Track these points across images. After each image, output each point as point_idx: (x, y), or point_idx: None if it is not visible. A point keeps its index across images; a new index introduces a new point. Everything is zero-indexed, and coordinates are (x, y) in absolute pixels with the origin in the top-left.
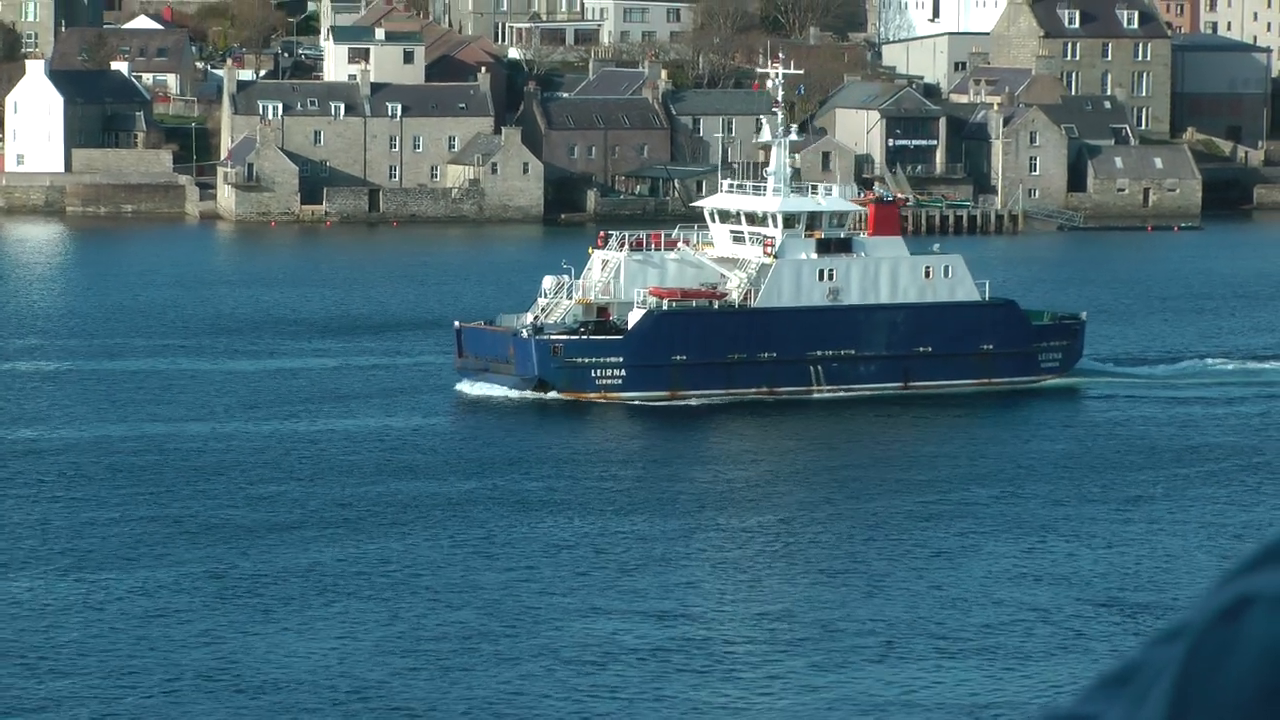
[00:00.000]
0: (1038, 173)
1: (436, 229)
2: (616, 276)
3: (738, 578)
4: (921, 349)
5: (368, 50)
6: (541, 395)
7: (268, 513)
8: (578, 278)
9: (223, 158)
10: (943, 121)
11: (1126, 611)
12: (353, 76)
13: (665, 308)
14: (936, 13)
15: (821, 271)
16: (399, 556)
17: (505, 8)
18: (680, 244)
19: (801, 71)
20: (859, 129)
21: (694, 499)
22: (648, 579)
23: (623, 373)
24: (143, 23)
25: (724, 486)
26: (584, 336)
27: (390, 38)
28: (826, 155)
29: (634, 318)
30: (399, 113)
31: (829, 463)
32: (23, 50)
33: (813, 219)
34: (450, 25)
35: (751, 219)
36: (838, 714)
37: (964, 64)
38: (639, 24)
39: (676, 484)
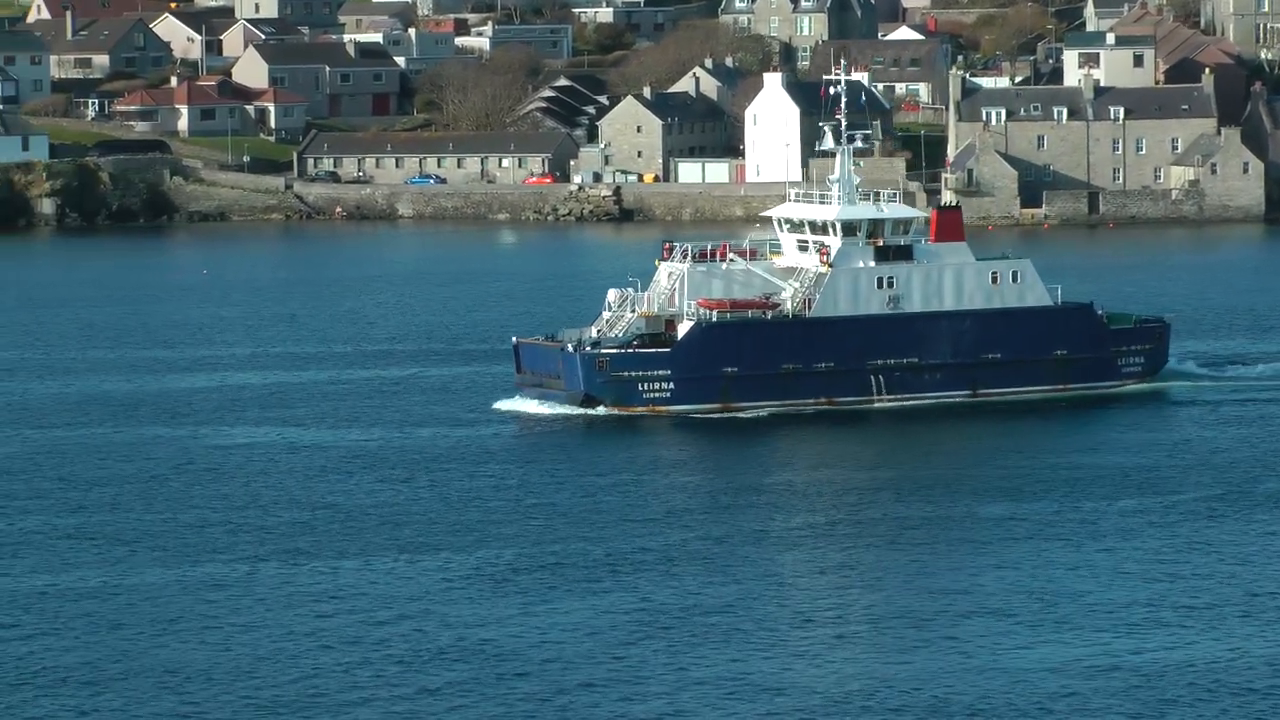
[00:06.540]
0: None
1: (1154, 230)
2: (681, 288)
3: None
4: (990, 356)
5: (1098, 55)
6: (589, 410)
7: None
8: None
9: (947, 164)
10: None
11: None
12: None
13: (714, 319)
14: None
15: (880, 279)
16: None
17: (1266, 8)
18: (732, 254)
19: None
20: None
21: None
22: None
23: (671, 386)
24: (904, 33)
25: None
26: (632, 350)
27: (1120, 42)
28: None
29: (682, 329)
30: (1121, 115)
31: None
32: (797, 63)
33: (874, 227)
34: (1214, 28)
35: (814, 228)
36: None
37: None
38: None
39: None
